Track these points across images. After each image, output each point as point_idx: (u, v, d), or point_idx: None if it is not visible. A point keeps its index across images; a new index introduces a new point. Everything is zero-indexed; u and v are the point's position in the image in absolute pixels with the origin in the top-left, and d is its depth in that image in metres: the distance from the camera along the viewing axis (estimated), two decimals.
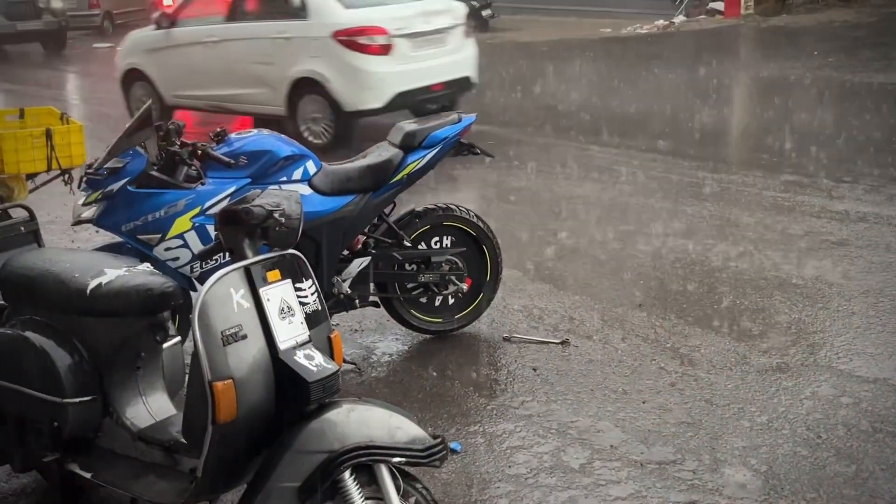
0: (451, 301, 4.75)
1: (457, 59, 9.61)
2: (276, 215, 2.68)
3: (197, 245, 4.02)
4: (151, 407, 3.11)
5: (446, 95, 9.65)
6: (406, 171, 4.42)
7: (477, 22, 18.95)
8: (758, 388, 4.16)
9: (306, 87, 9.03)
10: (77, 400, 3.01)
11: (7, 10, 17.77)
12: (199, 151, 4.04)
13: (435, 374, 4.42)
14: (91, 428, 3.08)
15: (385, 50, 8.88)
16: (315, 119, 9.07)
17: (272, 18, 9.41)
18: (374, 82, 8.89)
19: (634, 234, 6.32)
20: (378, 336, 4.86)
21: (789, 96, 11.13)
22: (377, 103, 8.96)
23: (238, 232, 2.71)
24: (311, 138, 8.98)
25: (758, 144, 8.85)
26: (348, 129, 8.98)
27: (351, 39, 8.82)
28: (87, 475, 3.02)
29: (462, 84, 9.77)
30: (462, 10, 9.78)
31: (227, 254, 2.83)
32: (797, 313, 4.93)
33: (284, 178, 4.19)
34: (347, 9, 9.01)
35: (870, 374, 4.24)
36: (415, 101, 9.34)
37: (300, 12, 9.10)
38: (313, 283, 2.84)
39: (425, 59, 9.23)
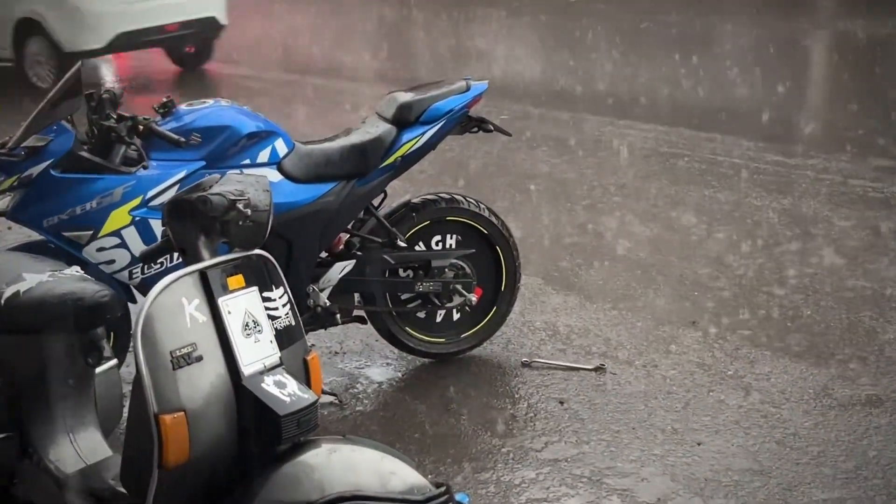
0: (456, 316, 4.77)
1: None
2: (240, 206, 2.69)
3: (137, 244, 4.04)
4: (81, 447, 3.12)
5: (188, 37, 11.84)
6: (400, 153, 4.45)
7: None
8: (843, 427, 4.17)
9: (30, 28, 10.97)
10: None
11: None
12: (141, 127, 4.06)
13: (436, 407, 4.44)
14: (5, 473, 3.09)
15: None
16: (39, 62, 10.86)
17: None
18: (93, 21, 10.84)
19: (686, 232, 6.34)
20: (364, 360, 4.88)
21: (883, 59, 11.16)
22: (98, 43, 10.95)
23: (192, 227, 2.72)
24: (37, 82, 10.89)
25: (841, 120, 8.88)
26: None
27: None
28: None
29: (207, 25, 11.81)
30: None
31: (178, 255, 2.85)
32: (893, 333, 4.95)
33: (247, 161, 4.21)
34: None
35: None
36: (146, 42, 11.39)
37: None
38: (285, 291, 2.85)
39: None
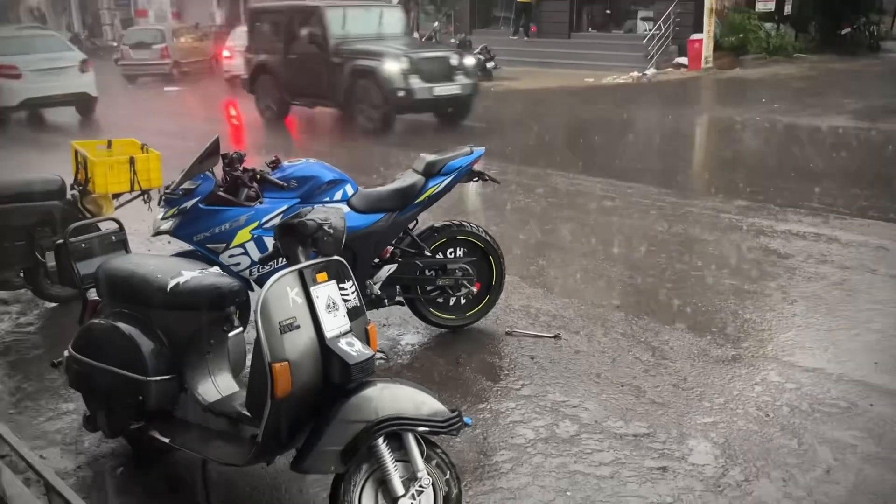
0: (462, 301, 4.77)
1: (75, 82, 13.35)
2: (325, 227, 2.72)
3: (255, 253, 4.06)
4: (219, 384, 3.15)
5: (72, 104, 13.59)
6: (427, 194, 4.46)
7: (482, 73, 19.02)
8: (716, 375, 4.17)
9: None
10: (158, 378, 3.06)
11: (425, 69, 11.35)
12: (258, 176, 4.10)
13: (449, 361, 4.45)
14: (169, 401, 3.12)
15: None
16: None
17: None
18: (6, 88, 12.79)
19: (614, 247, 6.35)
20: (402, 330, 4.89)
21: (742, 136, 11.16)
22: (11, 102, 12.88)
23: (294, 241, 2.75)
24: None
25: (716, 176, 8.87)
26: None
27: None
28: (166, 440, 3.07)
29: (81, 98, 13.41)
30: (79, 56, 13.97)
31: (284, 259, 2.87)
32: (749, 314, 4.94)
33: (327, 199, 4.23)
34: None
35: (809, 364, 4.25)
36: (38, 104, 13.34)
37: None
38: (353, 283, 2.88)
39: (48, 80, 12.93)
